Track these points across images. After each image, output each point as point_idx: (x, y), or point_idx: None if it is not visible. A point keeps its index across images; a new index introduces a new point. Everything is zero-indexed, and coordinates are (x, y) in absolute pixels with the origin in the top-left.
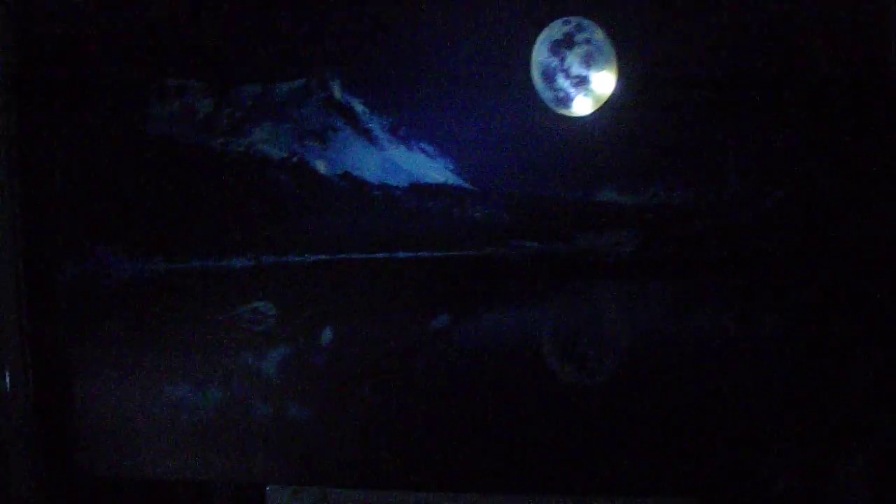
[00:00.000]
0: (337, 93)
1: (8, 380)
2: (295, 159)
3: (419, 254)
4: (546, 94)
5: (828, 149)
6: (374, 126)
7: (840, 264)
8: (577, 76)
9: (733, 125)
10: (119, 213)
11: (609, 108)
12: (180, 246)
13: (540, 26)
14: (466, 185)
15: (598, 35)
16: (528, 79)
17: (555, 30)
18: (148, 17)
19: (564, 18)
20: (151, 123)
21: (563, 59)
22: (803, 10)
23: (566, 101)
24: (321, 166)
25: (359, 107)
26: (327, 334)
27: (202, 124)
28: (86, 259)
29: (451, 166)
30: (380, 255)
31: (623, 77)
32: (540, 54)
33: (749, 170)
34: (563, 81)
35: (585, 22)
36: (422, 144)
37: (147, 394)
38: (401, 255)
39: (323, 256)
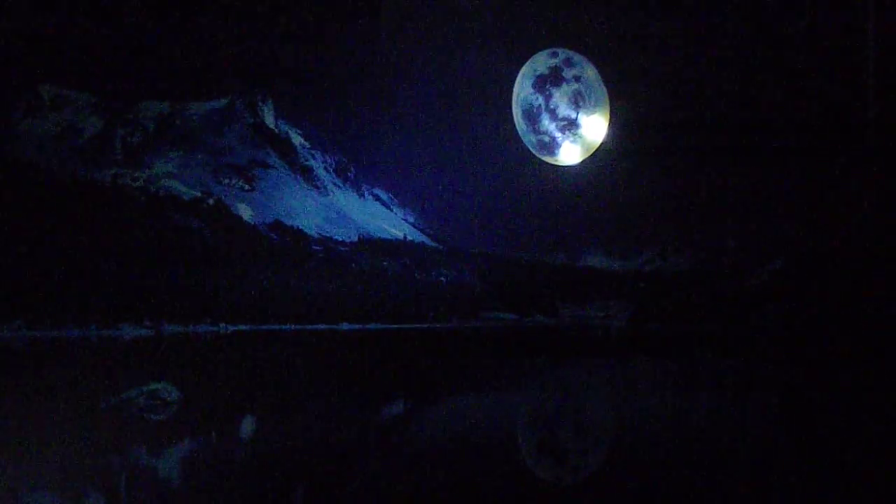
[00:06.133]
0: (269, 119)
1: None
2: (211, 201)
3: (368, 326)
4: (528, 138)
5: (832, 205)
6: (316, 164)
7: (844, 340)
8: (565, 118)
9: (735, 183)
10: None
11: (600, 157)
12: (50, 307)
13: (523, 57)
14: (430, 242)
15: (590, 72)
16: (509, 117)
17: (540, 62)
18: (21, 6)
19: (551, 50)
20: (18, 144)
21: (548, 98)
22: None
23: (552, 146)
24: (245, 211)
25: (297, 138)
26: (248, 425)
27: (87, 149)
28: None
29: (412, 219)
30: (318, 327)
31: (617, 123)
32: (522, 90)
33: (750, 232)
34: (548, 123)
35: (576, 56)
36: (376, 190)
37: None
38: (345, 326)
39: (244, 327)
